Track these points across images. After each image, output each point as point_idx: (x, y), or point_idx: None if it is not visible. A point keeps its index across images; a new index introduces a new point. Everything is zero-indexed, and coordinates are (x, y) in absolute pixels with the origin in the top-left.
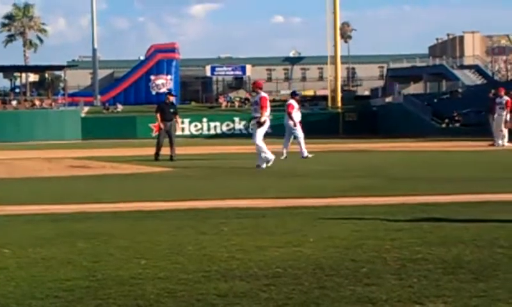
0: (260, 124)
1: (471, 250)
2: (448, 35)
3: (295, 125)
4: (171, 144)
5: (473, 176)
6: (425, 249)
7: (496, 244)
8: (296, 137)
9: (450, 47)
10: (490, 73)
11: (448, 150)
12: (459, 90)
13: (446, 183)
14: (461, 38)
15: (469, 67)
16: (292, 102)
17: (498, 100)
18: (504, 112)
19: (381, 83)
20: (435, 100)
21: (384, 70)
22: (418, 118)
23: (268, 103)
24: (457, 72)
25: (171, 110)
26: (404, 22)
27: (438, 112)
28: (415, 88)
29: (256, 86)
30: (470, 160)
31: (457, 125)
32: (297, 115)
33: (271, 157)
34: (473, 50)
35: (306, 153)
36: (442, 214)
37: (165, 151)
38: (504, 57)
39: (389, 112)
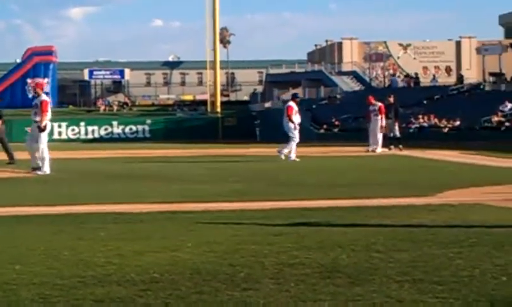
0: (41, 129)
1: (348, 254)
2: (326, 41)
3: (295, 128)
4: (6, 149)
5: (352, 181)
6: (302, 253)
7: (373, 248)
8: (289, 139)
9: (329, 53)
10: (368, 80)
11: (326, 155)
12: (338, 96)
13: (324, 188)
14: (340, 45)
15: (347, 73)
16: (292, 104)
17: (371, 107)
18: (379, 118)
19: (260, 88)
20: (314, 106)
21: (264, 75)
22: None
23: (49, 108)
24: (335, 78)
25: None
26: (283, 27)
27: (317, 117)
28: None
29: (37, 87)
30: (349, 165)
31: (336, 130)
32: (296, 118)
33: (48, 170)
34: (351, 57)
35: (294, 157)
36: (320, 219)
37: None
38: (381, 64)
39: (268, 118)
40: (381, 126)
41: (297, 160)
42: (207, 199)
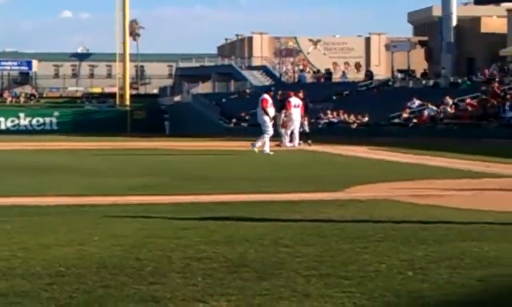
0: None
1: (256, 249)
2: (237, 35)
3: (271, 120)
4: None
5: (261, 175)
6: (210, 247)
7: (281, 243)
8: (263, 132)
9: (239, 47)
10: (278, 75)
11: (236, 149)
12: (247, 90)
13: (233, 183)
14: (250, 39)
15: (257, 68)
16: (266, 96)
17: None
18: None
19: (170, 82)
20: (223, 100)
21: (173, 68)
22: (207, 117)
23: None
24: (245, 73)
25: None
26: (194, 21)
27: (226, 111)
28: (204, 87)
29: None
30: (259, 159)
31: (245, 124)
32: (271, 110)
33: None
34: (261, 51)
35: (268, 150)
36: (229, 213)
37: None
38: (291, 59)
39: (178, 111)
40: (283, 121)
41: (271, 153)
42: (115, 193)
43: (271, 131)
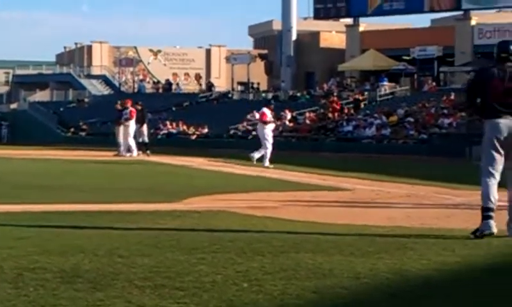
0: None
1: (90, 259)
2: (76, 44)
3: (273, 130)
4: None
5: (97, 185)
6: (44, 257)
7: (116, 253)
8: (263, 145)
9: (78, 55)
10: (117, 84)
11: (74, 159)
12: (86, 99)
13: (71, 192)
14: (89, 48)
15: (96, 77)
16: (266, 110)
17: (124, 111)
18: (130, 123)
19: (6, 89)
20: (61, 109)
21: (10, 75)
22: (44, 126)
23: None
24: (84, 81)
25: None
26: (32, 27)
27: (64, 120)
28: (41, 96)
29: None
30: (96, 169)
31: (83, 134)
32: (270, 125)
33: None
34: (101, 60)
35: (267, 164)
36: (65, 223)
37: None
38: (131, 69)
39: (15, 119)
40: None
41: (271, 166)
42: None
43: (270, 145)
